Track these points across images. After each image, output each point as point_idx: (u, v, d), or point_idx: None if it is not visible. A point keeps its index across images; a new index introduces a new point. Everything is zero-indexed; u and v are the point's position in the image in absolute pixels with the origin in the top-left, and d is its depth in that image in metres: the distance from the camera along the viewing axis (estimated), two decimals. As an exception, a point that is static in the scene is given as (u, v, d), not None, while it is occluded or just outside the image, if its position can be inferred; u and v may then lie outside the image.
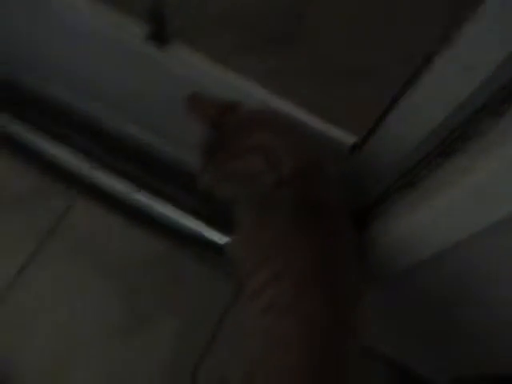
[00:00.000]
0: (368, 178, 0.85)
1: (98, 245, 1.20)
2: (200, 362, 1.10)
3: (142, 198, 1.20)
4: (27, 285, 1.14)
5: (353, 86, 1.20)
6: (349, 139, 0.86)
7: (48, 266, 1.16)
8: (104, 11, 0.89)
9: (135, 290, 1.16)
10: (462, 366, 1.02)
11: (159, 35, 0.86)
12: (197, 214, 1.19)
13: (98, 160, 1.22)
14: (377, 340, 1.11)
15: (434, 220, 0.68)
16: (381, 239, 0.79)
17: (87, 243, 1.20)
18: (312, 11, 1.35)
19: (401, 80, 0.68)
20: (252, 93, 0.87)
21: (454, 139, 0.64)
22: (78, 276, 1.16)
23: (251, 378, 0.74)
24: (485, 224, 0.61)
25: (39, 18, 0.99)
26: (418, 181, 0.73)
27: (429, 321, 0.96)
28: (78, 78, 1.11)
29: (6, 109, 1.24)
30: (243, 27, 1.29)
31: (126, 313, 1.14)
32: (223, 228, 1.17)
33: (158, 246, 1.20)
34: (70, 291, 1.15)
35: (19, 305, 1.12)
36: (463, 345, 0.97)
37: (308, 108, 0.86)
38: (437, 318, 0.93)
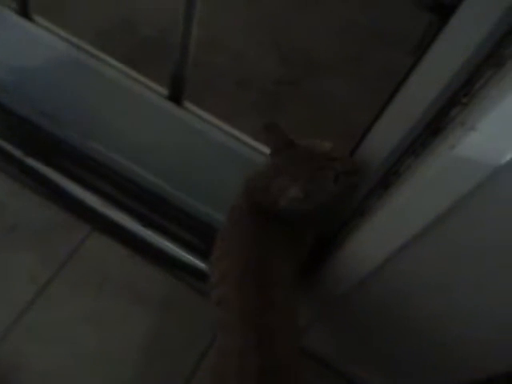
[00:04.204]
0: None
1: (105, 273, 1.39)
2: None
3: (148, 234, 1.43)
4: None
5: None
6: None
7: (62, 291, 1.35)
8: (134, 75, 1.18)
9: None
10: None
11: (177, 96, 1.13)
12: (192, 249, 1.42)
13: (111, 199, 1.46)
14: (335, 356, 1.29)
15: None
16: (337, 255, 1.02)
17: (96, 272, 1.39)
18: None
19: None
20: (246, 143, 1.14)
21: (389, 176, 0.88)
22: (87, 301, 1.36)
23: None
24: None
25: (80, 80, 1.27)
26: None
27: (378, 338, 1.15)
28: (104, 130, 1.38)
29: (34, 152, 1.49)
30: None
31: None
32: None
33: (157, 275, 1.40)
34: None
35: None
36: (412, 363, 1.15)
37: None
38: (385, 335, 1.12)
